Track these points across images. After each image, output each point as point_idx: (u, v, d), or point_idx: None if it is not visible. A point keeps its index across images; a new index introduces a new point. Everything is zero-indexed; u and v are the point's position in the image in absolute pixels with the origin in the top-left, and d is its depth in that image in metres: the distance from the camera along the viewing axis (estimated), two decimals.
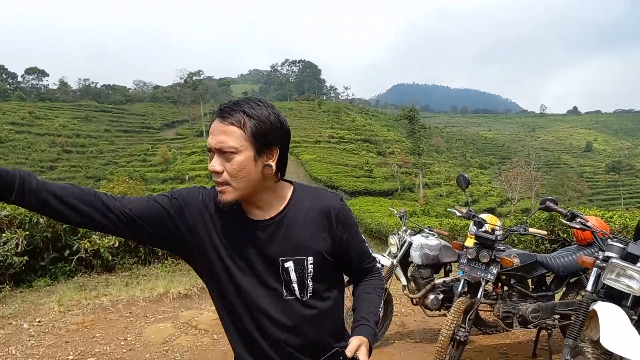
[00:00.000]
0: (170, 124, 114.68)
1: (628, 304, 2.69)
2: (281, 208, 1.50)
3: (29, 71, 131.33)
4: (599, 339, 2.50)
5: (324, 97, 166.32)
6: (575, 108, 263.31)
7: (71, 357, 4.47)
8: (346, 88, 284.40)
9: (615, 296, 2.74)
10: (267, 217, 1.49)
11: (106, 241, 7.23)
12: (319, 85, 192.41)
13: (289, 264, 1.47)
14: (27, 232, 6.42)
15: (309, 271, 1.48)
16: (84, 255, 7.13)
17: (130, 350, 4.70)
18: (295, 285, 1.47)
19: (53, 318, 5.40)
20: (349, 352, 1.47)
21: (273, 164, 1.44)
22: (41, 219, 6.68)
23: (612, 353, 2.61)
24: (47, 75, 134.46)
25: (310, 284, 1.49)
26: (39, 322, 5.31)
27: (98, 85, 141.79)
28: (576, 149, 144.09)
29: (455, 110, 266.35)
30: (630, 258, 2.67)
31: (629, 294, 2.67)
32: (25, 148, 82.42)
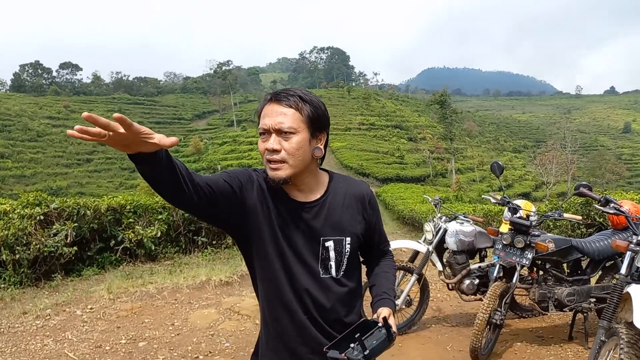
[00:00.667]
0: (201, 114, 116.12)
1: None
2: (322, 192, 1.65)
3: (63, 66, 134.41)
4: (632, 320, 2.57)
5: (353, 84, 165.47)
6: (612, 88, 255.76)
7: (124, 342, 4.74)
8: (375, 74, 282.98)
9: None
10: (311, 200, 1.63)
11: (149, 231, 7.53)
12: (347, 72, 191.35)
13: (330, 244, 1.61)
14: (75, 224, 6.74)
15: (346, 250, 1.63)
16: (128, 245, 7.44)
17: (178, 334, 4.95)
18: (332, 264, 1.61)
19: (103, 305, 5.69)
20: (382, 317, 1.60)
21: (322, 147, 1.60)
22: (88, 211, 7.00)
23: None
24: (81, 69, 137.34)
25: (345, 263, 1.63)
26: (90, 308, 5.61)
27: (130, 78, 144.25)
28: (614, 130, 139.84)
29: (488, 94, 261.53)
30: None
31: None
32: (62, 141, 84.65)
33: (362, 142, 79.77)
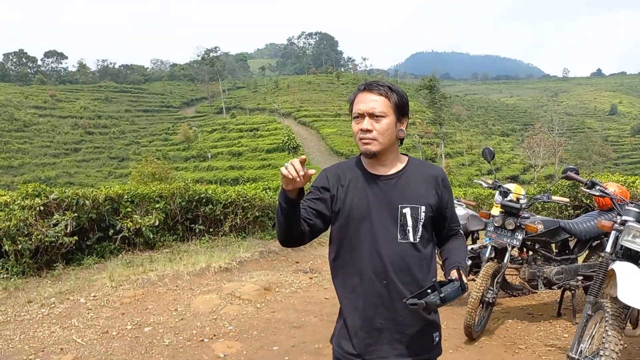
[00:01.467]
0: (190, 102, 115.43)
1: None
2: (402, 167, 1.93)
3: (48, 54, 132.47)
4: (617, 295, 2.76)
5: (342, 69, 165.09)
6: (599, 70, 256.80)
7: (129, 327, 4.89)
8: (364, 59, 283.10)
9: (632, 256, 2.99)
10: (391, 172, 1.91)
11: (147, 220, 7.63)
12: (336, 57, 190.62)
13: (407, 210, 1.85)
14: (75, 214, 6.83)
15: (421, 217, 1.86)
16: (127, 234, 7.53)
17: (182, 319, 5.11)
18: (410, 229, 1.84)
19: (106, 292, 5.82)
20: (452, 275, 1.82)
21: (404, 129, 1.91)
22: (86, 201, 7.09)
23: (629, 307, 2.88)
24: (66, 57, 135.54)
25: (420, 229, 1.86)
26: (94, 296, 5.74)
27: (116, 66, 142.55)
28: (600, 112, 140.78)
29: (476, 78, 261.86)
30: None
31: None
32: (49, 131, 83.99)
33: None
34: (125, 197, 7.77)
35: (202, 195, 8.49)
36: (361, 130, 1.83)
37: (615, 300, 2.85)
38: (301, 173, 1.62)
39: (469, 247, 5.05)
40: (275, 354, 4.28)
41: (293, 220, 1.79)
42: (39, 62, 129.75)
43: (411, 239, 1.85)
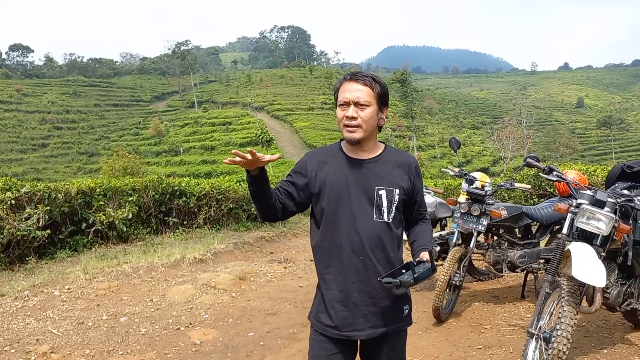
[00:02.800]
0: (161, 96, 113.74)
1: (597, 243, 3.14)
2: (379, 152, 2.09)
3: (13, 48, 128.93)
4: (572, 273, 2.95)
5: (315, 63, 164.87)
6: (566, 64, 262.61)
7: (105, 317, 4.92)
8: (337, 53, 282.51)
9: (587, 237, 3.19)
10: (370, 157, 2.06)
11: (120, 213, 7.62)
12: (309, 51, 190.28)
13: (382, 192, 2.02)
14: (47, 208, 6.79)
15: (395, 199, 2.03)
16: (99, 228, 7.52)
17: (157, 309, 5.17)
18: (385, 209, 2.01)
19: (81, 285, 5.83)
20: (423, 256, 2.00)
21: (384, 118, 2.07)
22: (59, 195, 7.05)
23: (584, 284, 3.08)
24: (32, 51, 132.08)
25: (394, 210, 2.03)
26: (68, 289, 5.74)
27: (84, 60, 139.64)
28: (567, 105, 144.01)
29: (447, 71, 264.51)
30: (598, 204, 3.12)
31: (598, 234, 3.12)
32: (16, 126, 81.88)
33: (326, 121, 79.86)
34: (98, 190, 7.74)
35: (176, 188, 8.51)
36: (346, 117, 1.97)
37: (571, 278, 3.04)
38: (248, 156, 1.84)
39: (438, 234, 5.23)
40: (251, 340, 4.39)
41: (261, 195, 1.99)
42: (4, 56, 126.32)
43: (385, 218, 2.01)
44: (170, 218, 8.48)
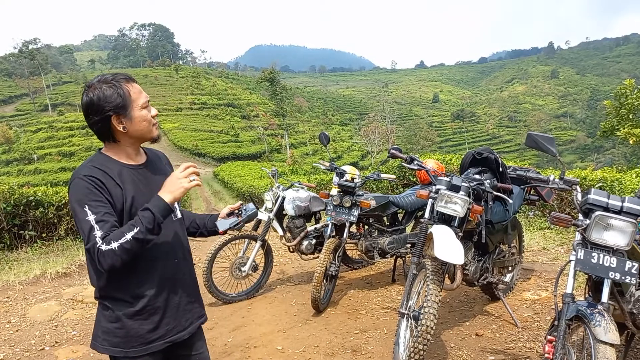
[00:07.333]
0: (7, 99, 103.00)
1: (455, 224, 3.42)
2: (143, 152, 2.02)
3: None
4: (435, 254, 3.19)
5: (180, 62, 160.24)
6: (422, 62, 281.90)
7: None
8: (203, 51, 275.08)
9: (446, 219, 3.46)
10: (143, 161, 1.98)
11: None
12: (173, 50, 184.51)
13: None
14: None
15: None
16: None
17: (17, 331, 4.70)
18: (177, 205, 2.01)
19: None
20: (231, 208, 2.26)
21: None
22: None
23: (446, 263, 3.35)
24: None
25: (177, 207, 2.05)
26: None
27: None
28: (425, 100, 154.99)
29: (314, 70, 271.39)
30: (454, 188, 3.40)
31: (455, 216, 3.41)
32: None
33: (195, 122, 78.12)
34: None
35: (31, 198, 7.79)
36: (153, 116, 1.93)
37: (434, 259, 3.28)
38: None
39: (312, 227, 5.37)
40: None
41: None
42: None
43: (179, 215, 2.05)
44: (26, 231, 7.74)
